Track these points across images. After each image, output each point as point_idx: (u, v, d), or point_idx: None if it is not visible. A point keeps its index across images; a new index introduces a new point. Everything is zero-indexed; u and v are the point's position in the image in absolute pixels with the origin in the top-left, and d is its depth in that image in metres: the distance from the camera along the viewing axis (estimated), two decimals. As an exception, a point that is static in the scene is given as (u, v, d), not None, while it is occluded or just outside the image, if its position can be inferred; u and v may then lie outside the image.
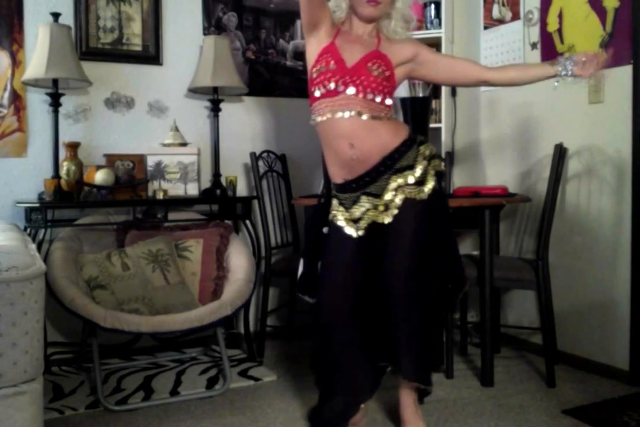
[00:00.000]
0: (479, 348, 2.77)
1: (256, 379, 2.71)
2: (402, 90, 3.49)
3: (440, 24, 3.35)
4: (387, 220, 1.98)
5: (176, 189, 3.03)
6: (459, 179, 3.50)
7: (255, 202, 3.07)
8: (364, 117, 1.96)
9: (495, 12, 3.29)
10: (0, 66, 2.87)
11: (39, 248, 2.55)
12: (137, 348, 3.08)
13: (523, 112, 3.15)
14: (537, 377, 2.73)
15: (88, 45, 3.03)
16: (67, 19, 2.93)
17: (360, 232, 1.99)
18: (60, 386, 2.65)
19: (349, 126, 1.97)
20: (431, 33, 3.36)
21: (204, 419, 2.31)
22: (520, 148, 3.19)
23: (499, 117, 3.32)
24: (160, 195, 2.87)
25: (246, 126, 3.39)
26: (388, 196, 1.98)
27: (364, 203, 1.99)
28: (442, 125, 3.39)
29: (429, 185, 2.01)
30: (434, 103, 3.39)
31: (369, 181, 1.99)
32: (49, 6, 2.91)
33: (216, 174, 3.14)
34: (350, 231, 2.00)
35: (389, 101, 1.99)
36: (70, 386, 2.65)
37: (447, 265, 2.10)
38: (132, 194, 2.89)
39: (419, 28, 3.41)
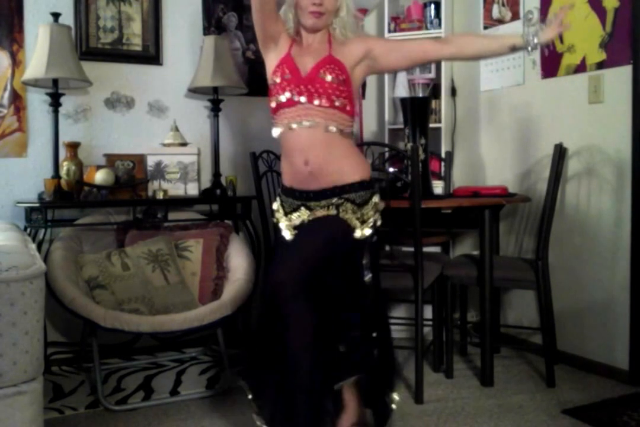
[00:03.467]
0: (478, 348, 2.77)
1: (256, 379, 2.71)
2: (402, 90, 3.49)
3: (440, 24, 3.36)
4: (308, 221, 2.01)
5: (176, 189, 3.04)
6: (459, 179, 3.50)
7: (255, 202, 3.06)
8: (320, 128, 1.94)
9: (495, 12, 3.29)
10: (0, 66, 2.87)
11: (39, 248, 2.55)
12: (137, 348, 3.08)
13: (523, 112, 3.15)
14: (537, 377, 2.73)
15: (88, 45, 3.03)
16: (67, 19, 2.93)
17: (294, 235, 2.05)
18: (60, 386, 2.65)
19: (308, 138, 1.96)
20: (431, 33, 3.37)
21: (204, 419, 2.31)
22: (520, 148, 3.19)
23: (499, 117, 3.32)
24: (160, 195, 2.87)
25: (246, 126, 3.40)
26: (318, 211, 2.00)
27: (301, 213, 2.03)
28: (442, 125, 3.39)
29: (365, 227, 1.97)
30: (434, 103, 3.39)
31: (312, 197, 2.01)
32: (49, 6, 2.91)
33: (216, 174, 3.14)
34: (287, 234, 2.06)
35: (347, 107, 1.97)
36: (70, 386, 2.65)
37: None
38: (132, 194, 2.89)
39: (419, 28, 3.42)
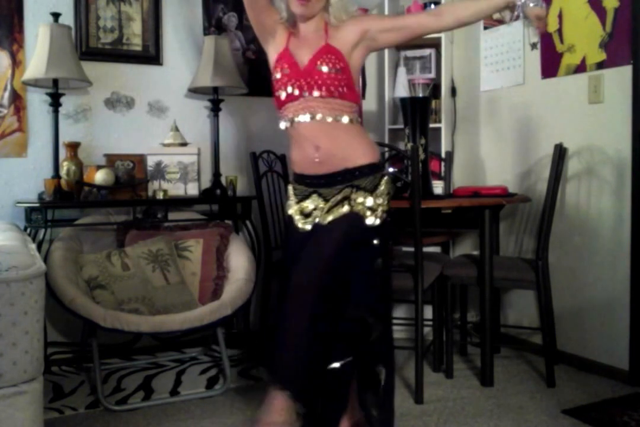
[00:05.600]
0: (479, 348, 2.76)
1: (256, 379, 2.71)
2: (402, 90, 3.49)
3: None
4: (325, 222, 1.98)
5: (176, 189, 3.04)
6: (459, 179, 3.50)
7: (255, 202, 3.07)
8: (325, 119, 1.95)
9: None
10: (0, 66, 2.87)
11: (39, 248, 2.55)
12: (137, 348, 3.08)
13: (523, 112, 3.15)
14: (537, 377, 2.73)
15: (88, 45, 3.03)
16: (67, 19, 2.93)
17: (308, 227, 2.02)
18: (60, 386, 2.65)
19: (313, 129, 1.97)
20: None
21: (204, 419, 2.31)
22: (520, 148, 3.19)
23: (499, 117, 3.32)
24: (160, 196, 2.87)
25: (246, 126, 3.40)
26: (333, 202, 1.98)
27: (313, 201, 2.02)
28: (442, 125, 3.39)
29: (378, 213, 1.96)
30: (434, 103, 3.39)
31: (323, 184, 2.00)
32: (49, 6, 2.91)
33: (216, 174, 3.14)
34: (299, 222, 2.04)
35: (348, 94, 1.95)
36: (70, 386, 2.65)
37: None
38: (132, 194, 2.89)
39: (419, 28, 3.41)
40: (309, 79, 1.95)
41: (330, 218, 1.97)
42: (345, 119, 1.97)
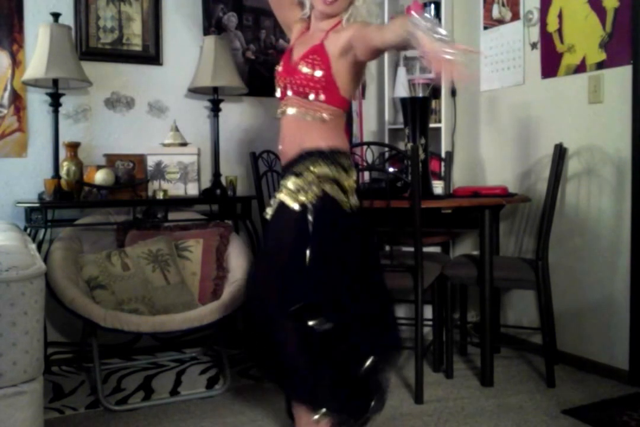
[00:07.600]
0: (478, 348, 2.77)
1: (256, 379, 2.71)
2: (402, 90, 3.49)
3: (440, 24, 3.35)
4: (268, 216, 2.00)
5: (176, 189, 3.04)
6: (459, 179, 3.50)
7: (255, 202, 3.07)
8: (303, 117, 1.96)
9: (495, 12, 3.29)
10: (0, 66, 2.87)
11: (39, 248, 2.55)
12: (137, 348, 3.08)
13: (523, 112, 3.15)
14: (537, 377, 2.73)
15: (88, 45, 3.03)
16: (67, 19, 2.93)
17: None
18: (60, 386, 2.65)
19: (288, 125, 2.01)
20: (431, 33, 3.36)
21: (204, 419, 2.31)
22: (520, 148, 3.19)
23: (499, 117, 3.32)
24: (160, 196, 2.87)
25: (246, 126, 3.40)
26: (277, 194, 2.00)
27: (278, 193, 2.01)
28: (442, 125, 3.39)
29: (302, 197, 1.88)
30: (434, 103, 3.39)
31: (283, 175, 2.03)
32: (49, 6, 2.91)
33: (216, 174, 3.14)
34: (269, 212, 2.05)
35: (322, 97, 1.93)
36: (70, 386, 2.65)
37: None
38: (132, 194, 2.89)
39: (419, 28, 3.41)
40: (290, 78, 1.98)
41: (270, 212, 1.99)
42: (322, 118, 1.95)
